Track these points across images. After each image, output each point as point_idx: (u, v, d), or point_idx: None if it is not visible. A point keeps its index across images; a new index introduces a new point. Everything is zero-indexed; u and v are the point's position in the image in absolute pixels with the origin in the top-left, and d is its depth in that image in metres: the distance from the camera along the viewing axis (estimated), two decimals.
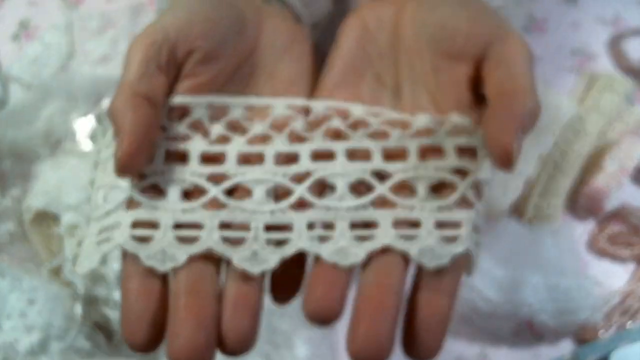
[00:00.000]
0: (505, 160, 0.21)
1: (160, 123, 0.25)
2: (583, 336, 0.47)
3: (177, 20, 0.26)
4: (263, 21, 0.29)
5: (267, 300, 0.44)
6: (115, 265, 0.42)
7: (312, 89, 0.29)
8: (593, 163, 0.52)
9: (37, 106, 0.49)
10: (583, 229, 0.51)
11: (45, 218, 0.46)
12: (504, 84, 0.24)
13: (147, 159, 0.24)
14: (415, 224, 0.24)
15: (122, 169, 0.23)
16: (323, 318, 0.23)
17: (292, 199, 0.24)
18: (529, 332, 0.46)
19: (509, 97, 0.23)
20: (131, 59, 0.25)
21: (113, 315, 0.42)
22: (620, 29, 0.58)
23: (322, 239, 0.24)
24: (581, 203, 0.51)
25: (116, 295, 0.42)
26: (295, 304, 0.45)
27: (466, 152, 0.25)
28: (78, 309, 0.42)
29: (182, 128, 0.25)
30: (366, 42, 0.28)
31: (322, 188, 0.25)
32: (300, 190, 0.24)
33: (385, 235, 0.23)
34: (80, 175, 0.45)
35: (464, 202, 0.24)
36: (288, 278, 0.26)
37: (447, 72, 0.26)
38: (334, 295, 0.23)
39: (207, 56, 0.26)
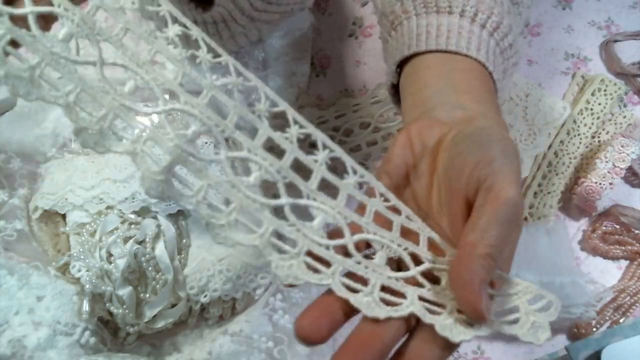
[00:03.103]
0: (481, 319, 0.25)
1: None
2: (577, 332, 0.48)
3: None
4: None
5: (269, 299, 0.45)
6: (120, 262, 0.42)
7: None
8: (586, 163, 0.53)
9: (45, 108, 0.50)
10: (577, 228, 0.52)
11: (52, 217, 0.47)
12: (487, 193, 0.26)
13: None
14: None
15: None
16: None
17: None
18: None
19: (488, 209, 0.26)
20: None
21: (117, 311, 0.43)
22: (612, 33, 0.59)
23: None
24: (574, 202, 0.52)
25: (121, 292, 0.42)
26: (296, 303, 0.45)
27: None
28: (85, 306, 0.42)
29: None
30: (410, 165, 0.31)
31: None
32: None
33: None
34: (86, 175, 0.46)
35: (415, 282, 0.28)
36: None
37: (453, 204, 0.29)
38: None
39: None
